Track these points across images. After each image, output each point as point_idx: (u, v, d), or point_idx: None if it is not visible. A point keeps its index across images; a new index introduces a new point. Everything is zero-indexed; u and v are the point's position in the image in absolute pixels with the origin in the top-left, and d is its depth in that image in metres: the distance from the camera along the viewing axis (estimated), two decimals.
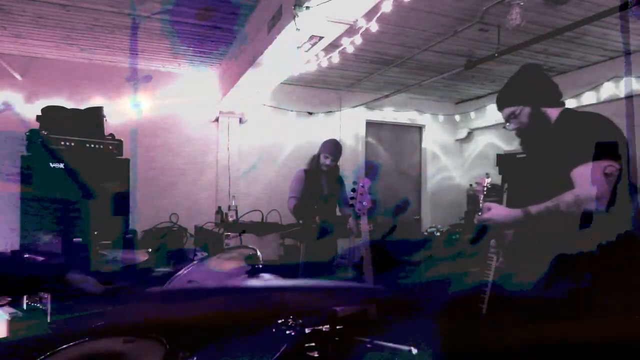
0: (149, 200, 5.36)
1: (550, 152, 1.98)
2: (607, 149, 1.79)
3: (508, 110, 2.12)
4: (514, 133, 2.15)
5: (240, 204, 5.06)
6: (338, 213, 4.45)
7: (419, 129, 7.23)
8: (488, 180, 2.14)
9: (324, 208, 4.16)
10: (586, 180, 1.77)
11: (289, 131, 6.20)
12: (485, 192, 2.12)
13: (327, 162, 4.25)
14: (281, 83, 4.98)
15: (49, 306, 2.54)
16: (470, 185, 6.46)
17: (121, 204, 4.42)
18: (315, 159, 4.34)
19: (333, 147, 4.31)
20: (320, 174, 4.30)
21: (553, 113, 2.05)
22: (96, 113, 4.64)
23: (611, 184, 1.75)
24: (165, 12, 3.88)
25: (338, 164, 4.38)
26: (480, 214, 2.04)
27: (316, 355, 1.37)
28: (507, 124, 2.16)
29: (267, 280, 1.68)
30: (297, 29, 2.89)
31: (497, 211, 1.99)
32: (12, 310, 3.17)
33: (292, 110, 6.19)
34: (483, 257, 2.47)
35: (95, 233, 3.12)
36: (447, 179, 7.29)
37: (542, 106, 2.05)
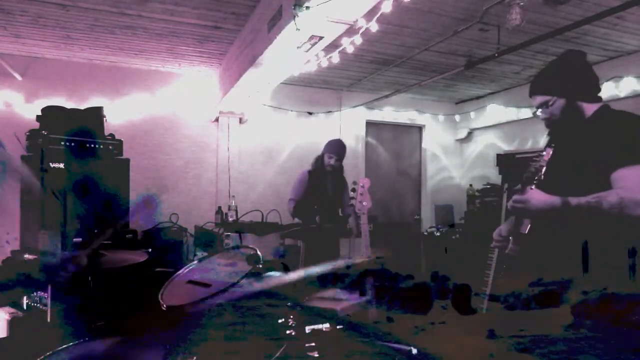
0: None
1: (584, 149, 1.87)
2: None
3: (540, 98, 1.98)
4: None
5: (240, 204, 5.06)
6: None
7: (419, 129, 7.23)
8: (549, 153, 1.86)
9: (327, 208, 4.15)
10: (632, 183, 1.69)
11: (289, 131, 6.20)
12: (546, 166, 1.86)
13: (332, 162, 4.24)
14: (281, 83, 4.98)
15: (49, 306, 2.54)
16: (470, 185, 6.45)
17: (121, 204, 4.42)
18: (319, 160, 4.33)
19: (337, 147, 4.30)
20: (325, 174, 4.29)
21: (589, 109, 1.92)
22: (96, 113, 4.64)
23: None
24: (165, 12, 3.88)
25: (342, 164, 4.37)
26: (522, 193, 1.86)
27: (316, 355, 1.37)
28: (538, 111, 2.02)
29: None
30: (297, 29, 2.89)
31: (536, 195, 1.84)
32: (12, 310, 3.18)
33: (292, 110, 6.19)
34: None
35: (96, 232, 3.11)
36: (447, 179, 7.30)
37: (578, 100, 1.91)
